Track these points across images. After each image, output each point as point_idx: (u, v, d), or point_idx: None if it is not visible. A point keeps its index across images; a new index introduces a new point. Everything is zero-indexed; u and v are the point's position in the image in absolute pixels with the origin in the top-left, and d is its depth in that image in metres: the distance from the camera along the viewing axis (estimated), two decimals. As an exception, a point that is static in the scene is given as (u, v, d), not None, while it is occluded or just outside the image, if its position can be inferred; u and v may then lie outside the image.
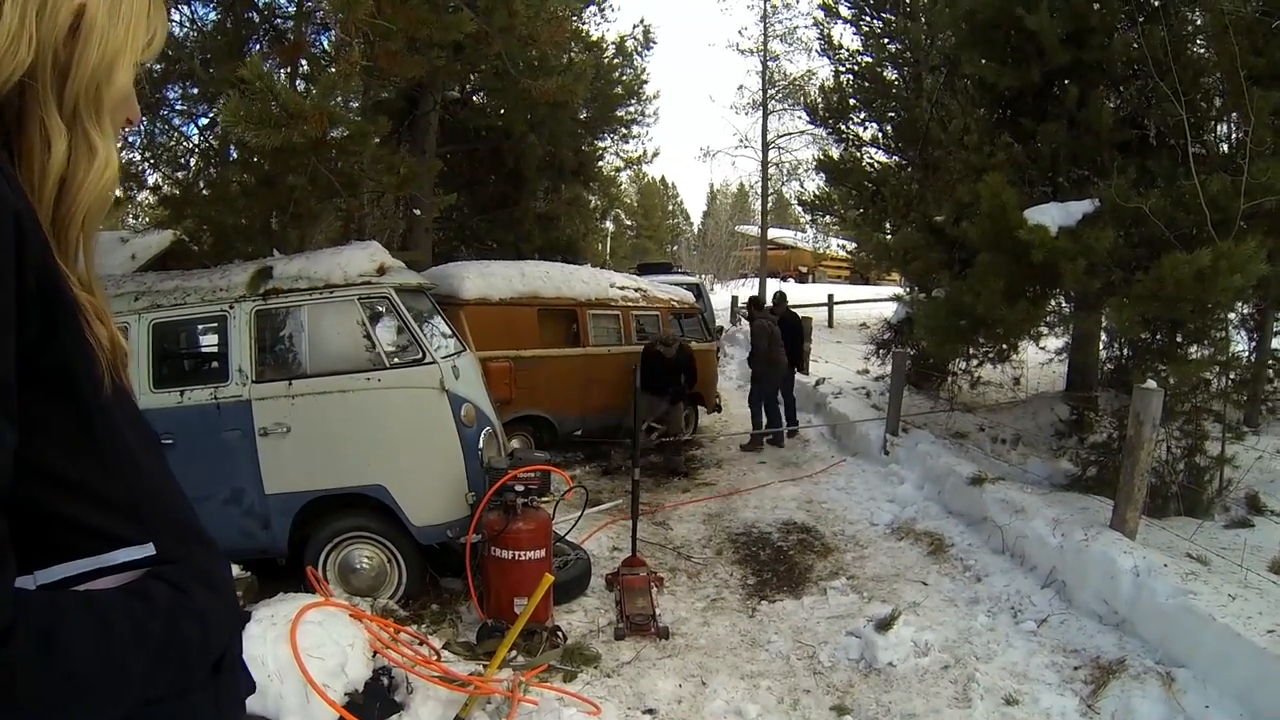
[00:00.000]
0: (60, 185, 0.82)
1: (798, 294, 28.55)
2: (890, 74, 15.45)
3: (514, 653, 4.09)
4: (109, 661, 0.74)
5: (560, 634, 4.47)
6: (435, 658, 3.89)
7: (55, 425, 0.78)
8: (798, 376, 12.29)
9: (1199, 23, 6.28)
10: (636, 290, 9.05)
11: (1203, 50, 6.24)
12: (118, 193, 6.93)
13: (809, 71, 25.25)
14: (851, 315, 20.72)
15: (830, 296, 22.03)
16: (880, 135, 15.39)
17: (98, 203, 0.85)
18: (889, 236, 11.89)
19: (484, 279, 7.50)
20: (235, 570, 3.87)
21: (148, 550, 0.86)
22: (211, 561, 0.94)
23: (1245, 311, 7.37)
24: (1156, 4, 6.19)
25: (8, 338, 0.70)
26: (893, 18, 15.54)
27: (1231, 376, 6.06)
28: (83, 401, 0.80)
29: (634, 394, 5.64)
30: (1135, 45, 5.94)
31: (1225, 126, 6.42)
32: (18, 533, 0.73)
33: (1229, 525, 5.60)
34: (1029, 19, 5.98)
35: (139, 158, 7.46)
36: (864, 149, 15.54)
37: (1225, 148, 6.29)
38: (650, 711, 3.84)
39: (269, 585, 4.43)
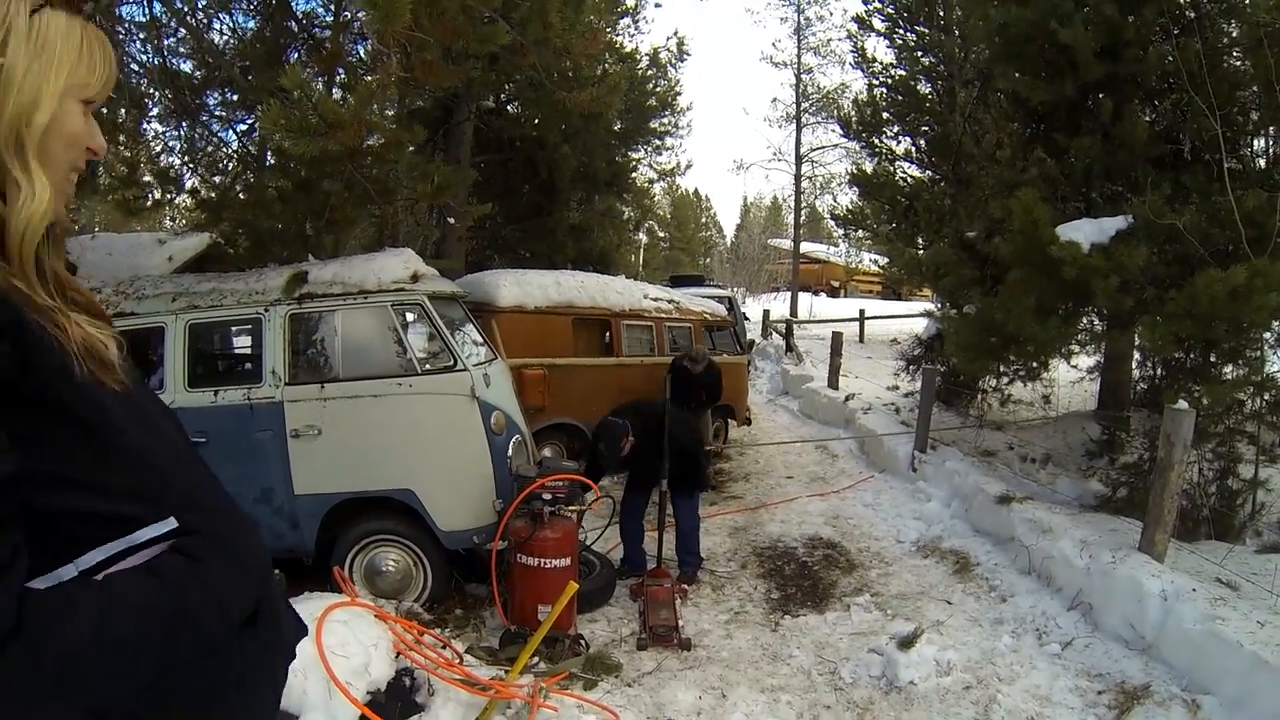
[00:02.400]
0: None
1: (830, 309, 28.51)
2: (924, 88, 15.40)
3: (536, 659, 4.12)
4: (118, 643, 0.83)
5: (583, 642, 4.49)
6: (458, 661, 3.93)
7: (57, 438, 0.87)
8: (825, 392, 12.06)
9: (1234, 35, 6.19)
10: (670, 302, 9.07)
11: (1238, 63, 6.15)
12: (155, 195, 7.13)
13: (842, 85, 25.43)
14: (882, 330, 20.60)
15: (861, 311, 21.90)
16: (913, 149, 15.35)
17: (30, 231, 0.91)
18: (921, 252, 11.81)
19: (520, 287, 7.55)
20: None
21: (169, 524, 0.96)
22: (229, 528, 1.04)
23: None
24: (1191, 16, 6.12)
25: None
26: (926, 31, 15.51)
27: (1266, 398, 5.93)
28: (74, 413, 0.89)
29: (664, 408, 5.61)
30: (1170, 58, 5.86)
31: (1261, 141, 6.31)
32: (54, 532, 0.85)
33: (1261, 550, 5.47)
34: (1063, 33, 5.93)
35: (178, 162, 7.60)
36: (897, 163, 15.48)
37: (1261, 163, 6.18)
38: (669, 721, 3.85)
39: (296, 584, 4.49)
